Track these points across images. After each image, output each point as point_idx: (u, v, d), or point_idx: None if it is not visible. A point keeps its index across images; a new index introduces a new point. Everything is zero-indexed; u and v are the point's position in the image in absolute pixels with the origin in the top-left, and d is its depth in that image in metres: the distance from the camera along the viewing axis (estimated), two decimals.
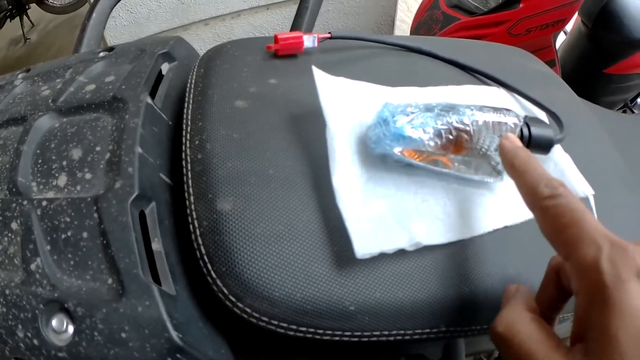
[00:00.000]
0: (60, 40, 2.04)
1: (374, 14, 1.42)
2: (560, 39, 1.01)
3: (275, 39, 0.33)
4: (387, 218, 0.24)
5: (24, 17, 2.01)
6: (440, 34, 0.98)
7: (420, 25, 1.07)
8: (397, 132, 0.24)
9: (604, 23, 0.85)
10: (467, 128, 0.24)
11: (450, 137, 0.24)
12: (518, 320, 0.20)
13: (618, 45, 0.87)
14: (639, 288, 0.16)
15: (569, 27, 0.95)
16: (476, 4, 0.99)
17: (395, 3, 1.42)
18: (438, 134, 0.24)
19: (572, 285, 0.19)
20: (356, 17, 1.40)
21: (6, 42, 2.07)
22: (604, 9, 0.84)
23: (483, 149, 0.25)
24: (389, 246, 0.23)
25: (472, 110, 0.25)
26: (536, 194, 0.21)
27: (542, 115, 0.33)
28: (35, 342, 0.21)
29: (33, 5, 1.99)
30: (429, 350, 0.29)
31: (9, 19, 1.99)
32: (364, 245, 0.22)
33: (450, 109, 0.25)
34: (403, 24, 1.55)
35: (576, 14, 0.90)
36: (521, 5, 0.88)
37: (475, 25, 0.95)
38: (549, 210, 0.20)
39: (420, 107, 0.25)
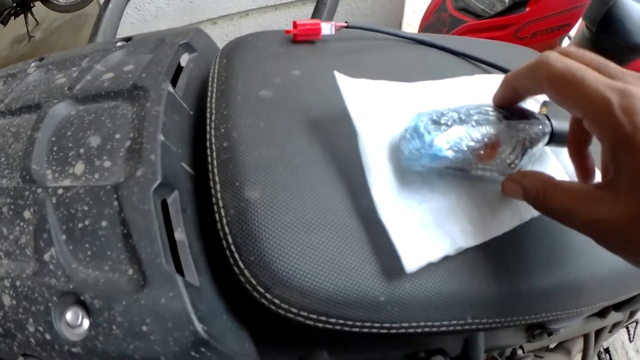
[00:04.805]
0: (64, 39, 2.04)
1: (382, 16, 1.43)
2: (565, 44, 1.01)
3: (294, 25, 0.33)
4: (428, 224, 0.23)
5: (29, 15, 2.01)
6: None
7: (428, 28, 1.08)
8: (434, 152, 0.23)
9: (607, 28, 0.84)
10: (499, 141, 0.24)
11: (482, 152, 0.23)
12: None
13: (621, 50, 0.87)
14: None
15: (573, 32, 0.96)
16: (483, 7, 0.99)
17: (402, 6, 1.43)
18: (472, 150, 0.23)
19: (596, 136, 0.20)
20: (364, 19, 1.41)
21: (10, 40, 2.07)
22: (608, 14, 0.84)
23: (513, 165, 0.24)
24: (435, 255, 0.23)
25: (501, 120, 0.24)
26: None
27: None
28: (47, 336, 0.20)
29: (38, 4, 1.98)
30: (449, 344, 0.28)
31: (13, 17, 1.98)
32: (411, 259, 0.22)
33: (484, 121, 0.24)
34: (410, 27, 1.56)
35: (580, 19, 0.90)
36: (527, 8, 0.89)
37: (482, 28, 0.95)
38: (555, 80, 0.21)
39: (454, 118, 0.24)
